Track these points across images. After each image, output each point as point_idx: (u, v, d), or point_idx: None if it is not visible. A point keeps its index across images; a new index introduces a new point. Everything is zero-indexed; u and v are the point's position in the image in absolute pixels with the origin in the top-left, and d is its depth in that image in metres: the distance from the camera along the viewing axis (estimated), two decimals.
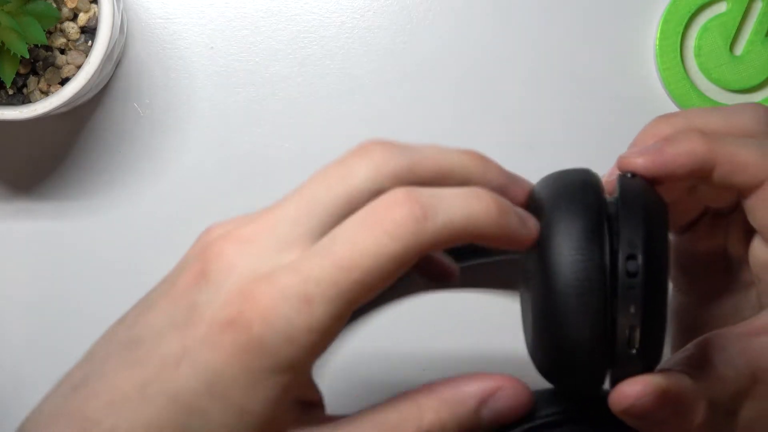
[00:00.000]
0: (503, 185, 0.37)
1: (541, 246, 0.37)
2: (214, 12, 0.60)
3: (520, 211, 0.37)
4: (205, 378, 0.34)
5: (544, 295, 0.36)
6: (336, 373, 0.60)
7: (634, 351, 0.36)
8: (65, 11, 0.54)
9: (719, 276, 0.44)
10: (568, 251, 0.36)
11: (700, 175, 0.39)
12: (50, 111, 0.53)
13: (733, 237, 0.43)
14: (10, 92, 0.54)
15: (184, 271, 0.36)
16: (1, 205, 0.60)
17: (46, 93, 0.54)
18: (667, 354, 0.45)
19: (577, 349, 0.36)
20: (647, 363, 0.37)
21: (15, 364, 0.60)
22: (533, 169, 0.62)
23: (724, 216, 0.44)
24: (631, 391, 0.36)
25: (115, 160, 0.60)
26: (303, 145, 0.60)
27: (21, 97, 0.54)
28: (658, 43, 0.59)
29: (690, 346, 0.40)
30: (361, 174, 0.36)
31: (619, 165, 0.39)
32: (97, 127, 0.59)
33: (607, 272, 0.36)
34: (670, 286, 0.44)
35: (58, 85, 0.54)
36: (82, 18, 0.55)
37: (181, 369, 0.35)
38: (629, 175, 0.39)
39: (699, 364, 0.39)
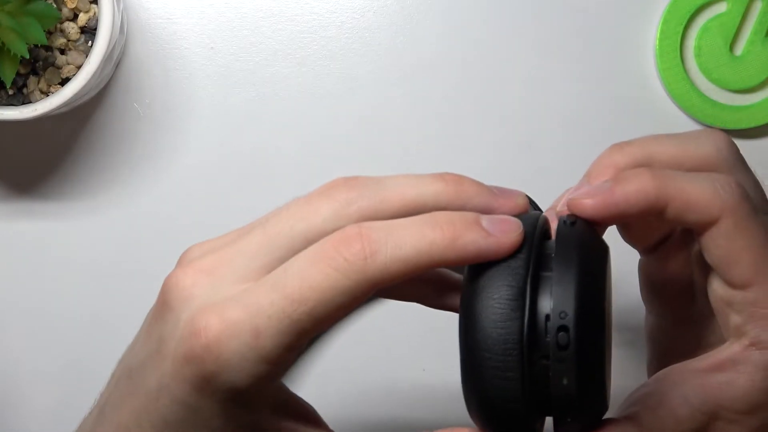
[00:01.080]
0: (485, 204, 0.37)
1: (463, 314, 0.36)
2: (214, 12, 0.60)
3: (495, 218, 0.36)
4: (180, 409, 0.36)
5: (468, 364, 0.36)
6: (337, 373, 0.60)
7: (569, 419, 0.36)
8: (65, 11, 0.54)
9: (688, 299, 0.43)
10: (488, 325, 0.35)
11: (652, 213, 0.38)
12: (50, 111, 0.53)
13: (696, 264, 0.42)
14: (10, 92, 0.54)
15: (156, 299, 0.38)
16: (1, 205, 0.60)
17: (46, 93, 0.54)
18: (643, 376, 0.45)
19: (498, 414, 0.36)
20: (585, 423, 0.36)
21: (15, 363, 0.60)
22: (533, 169, 0.62)
23: (690, 238, 0.43)
24: None
25: (115, 160, 0.60)
26: (303, 145, 0.60)
27: (21, 97, 0.54)
28: (658, 43, 0.59)
29: (650, 381, 0.40)
30: (324, 214, 0.36)
31: (568, 206, 0.38)
32: (97, 127, 0.59)
33: (525, 346, 0.35)
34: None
35: (58, 85, 0.54)
36: (82, 18, 0.55)
37: (160, 401, 0.37)
38: (569, 222, 0.37)
39: (656, 403, 0.39)
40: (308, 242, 0.36)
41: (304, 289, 0.34)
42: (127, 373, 0.39)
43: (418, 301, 0.43)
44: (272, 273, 0.36)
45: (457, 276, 0.42)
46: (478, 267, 0.36)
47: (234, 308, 0.35)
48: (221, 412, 0.36)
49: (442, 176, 0.37)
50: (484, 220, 0.36)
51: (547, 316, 0.35)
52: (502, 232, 0.36)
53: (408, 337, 0.59)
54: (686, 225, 0.39)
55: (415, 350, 0.59)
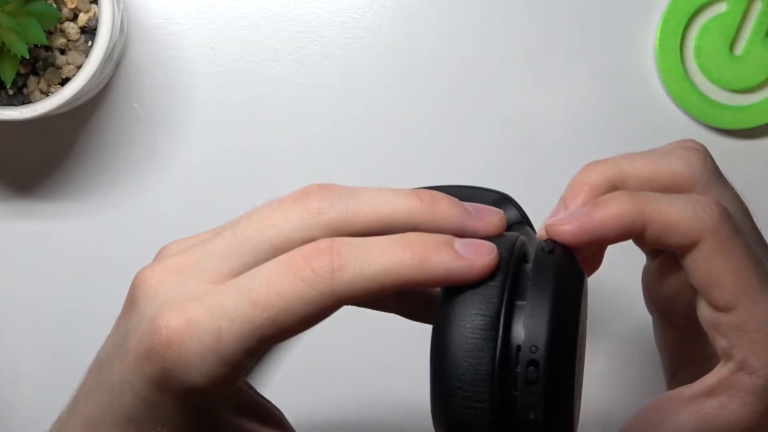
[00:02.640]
0: (460, 224, 0.37)
1: (435, 341, 0.36)
2: (214, 12, 0.60)
3: (468, 241, 0.36)
4: (141, 405, 0.36)
5: (437, 391, 0.36)
6: (340, 374, 0.60)
7: None
8: (65, 11, 0.54)
9: (688, 311, 0.42)
10: (459, 353, 0.35)
11: (630, 237, 0.38)
12: (50, 111, 0.53)
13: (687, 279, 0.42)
14: (10, 92, 0.54)
15: (127, 295, 0.38)
16: (1, 205, 0.60)
17: (46, 93, 0.54)
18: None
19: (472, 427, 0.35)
20: None
21: (15, 363, 0.60)
22: (533, 169, 0.62)
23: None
24: None
25: (115, 160, 0.60)
26: (303, 145, 0.60)
27: (21, 97, 0.54)
28: (658, 43, 0.59)
29: (646, 409, 0.40)
30: (293, 222, 0.36)
31: (546, 232, 0.38)
32: (97, 127, 0.59)
33: (495, 378, 0.35)
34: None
35: (58, 85, 0.54)
36: (82, 18, 0.55)
37: (123, 396, 0.37)
38: (547, 249, 0.37)
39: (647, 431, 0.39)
40: (275, 249, 0.36)
41: (270, 295, 0.34)
42: (96, 367, 0.39)
43: (397, 313, 0.42)
44: (240, 277, 0.35)
45: (437, 291, 0.42)
46: (453, 291, 0.36)
47: (198, 308, 0.35)
48: (181, 410, 0.36)
49: (418, 193, 0.37)
50: (457, 242, 0.35)
51: (519, 347, 0.35)
52: (475, 255, 0.35)
53: (408, 340, 0.59)
54: (667, 248, 0.38)
55: (415, 354, 0.59)
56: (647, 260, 0.44)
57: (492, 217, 0.37)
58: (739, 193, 0.42)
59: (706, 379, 0.39)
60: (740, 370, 0.38)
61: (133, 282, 0.38)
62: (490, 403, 0.35)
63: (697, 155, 0.41)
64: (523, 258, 0.37)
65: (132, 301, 0.37)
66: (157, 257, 0.39)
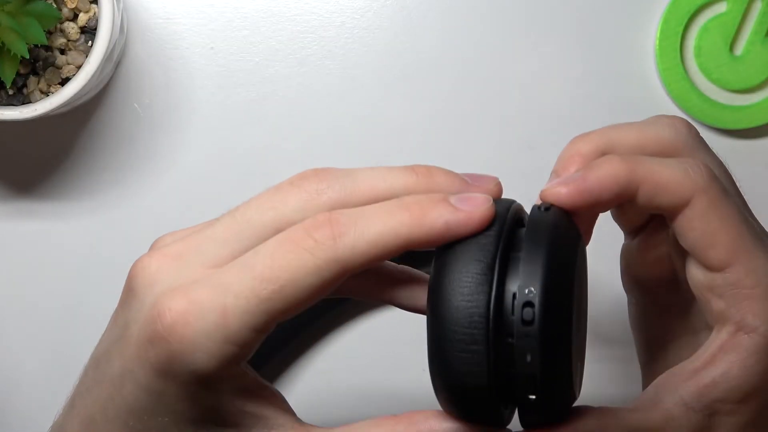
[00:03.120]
0: (458, 193, 0.37)
1: (431, 290, 0.36)
2: (214, 12, 0.60)
3: (463, 195, 0.36)
4: (144, 395, 0.36)
5: (434, 339, 0.36)
6: (340, 373, 0.60)
7: (533, 398, 0.35)
8: (65, 11, 0.54)
9: (670, 286, 0.43)
10: (455, 298, 0.35)
11: (624, 199, 0.38)
12: (50, 111, 0.53)
13: (674, 251, 0.42)
14: (10, 92, 0.54)
15: (123, 287, 0.38)
16: (1, 205, 0.60)
17: (46, 93, 0.54)
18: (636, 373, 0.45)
19: (465, 393, 0.36)
20: (551, 408, 0.36)
21: (15, 363, 0.60)
22: (533, 169, 0.62)
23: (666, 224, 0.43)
24: None
25: (115, 160, 0.60)
26: (303, 145, 0.60)
27: (21, 97, 0.54)
28: (658, 43, 0.59)
29: (649, 389, 0.39)
30: (292, 204, 0.36)
31: (542, 197, 0.38)
32: (97, 127, 0.59)
33: (491, 320, 0.35)
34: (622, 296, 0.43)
35: (58, 85, 0.54)
36: (82, 18, 0.55)
37: (125, 388, 0.36)
38: (543, 207, 0.37)
39: (649, 405, 0.38)
40: (277, 231, 0.36)
41: (274, 268, 0.34)
42: (94, 364, 0.39)
43: (389, 302, 0.42)
44: (242, 256, 0.36)
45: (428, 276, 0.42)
46: (448, 245, 0.36)
47: (201, 289, 0.35)
48: (185, 396, 0.36)
49: (413, 168, 0.38)
50: (453, 197, 0.36)
51: (514, 294, 0.35)
52: (473, 207, 0.36)
53: (409, 337, 0.59)
54: (659, 209, 0.39)
55: (416, 350, 0.59)
56: (626, 239, 0.44)
57: (488, 183, 0.38)
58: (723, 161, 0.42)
59: (704, 349, 0.39)
60: (739, 331, 0.38)
61: (130, 272, 0.37)
62: (486, 346, 0.35)
63: (682, 122, 0.41)
64: (519, 222, 0.38)
65: (130, 290, 0.37)
66: (153, 247, 0.38)
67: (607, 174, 0.38)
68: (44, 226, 0.60)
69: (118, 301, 0.38)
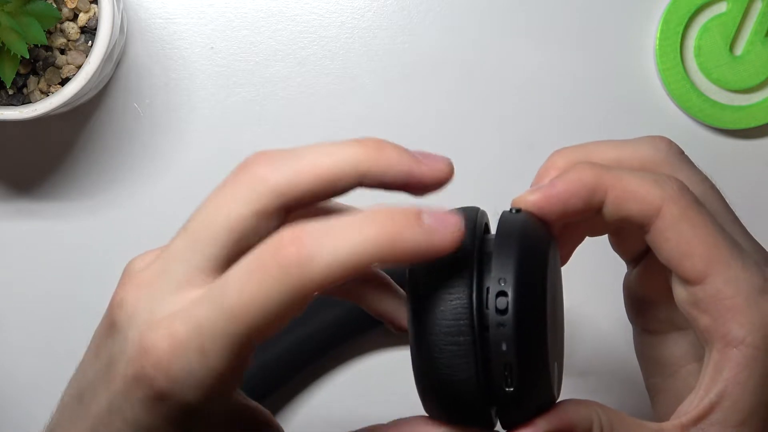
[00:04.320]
0: (406, 172, 0.36)
1: (409, 288, 0.36)
2: (214, 12, 0.60)
3: (435, 214, 0.34)
4: (135, 430, 0.36)
5: (415, 336, 0.36)
6: (340, 376, 0.60)
7: (511, 389, 0.35)
8: (65, 11, 0.54)
9: (671, 312, 0.42)
10: (433, 292, 0.35)
11: (593, 206, 0.38)
12: (50, 111, 0.53)
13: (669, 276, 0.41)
14: (10, 92, 0.54)
15: (103, 319, 0.37)
16: (1, 205, 0.60)
17: (46, 93, 0.54)
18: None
19: (451, 391, 0.36)
20: (528, 399, 0.36)
21: (14, 363, 0.60)
22: (533, 169, 0.62)
23: None
24: None
25: (115, 160, 0.60)
26: (303, 145, 0.60)
27: (21, 97, 0.54)
28: (658, 43, 0.59)
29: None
30: (240, 197, 0.35)
31: (513, 204, 0.39)
32: (97, 127, 0.59)
33: (474, 312, 0.35)
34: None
35: (58, 85, 0.54)
36: (82, 18, 0.55)
37: (113, 424, 0.36)
38: (513, 210, 0.38)
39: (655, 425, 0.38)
40: (231, 231, 0.35)
41: (242, 302, 0.33)
42: (77, 397, 0.38)
43: (356, 302, 0.42)
44: (212, 285, 0.35)
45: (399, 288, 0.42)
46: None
47: (178, 325, 0.34)
48: (174, 430, 0.35)
49: (361, 141, 0.36)
50: (425, 215, 0.34)
51: (488, 289, 0.35)
52: (445, 228, 0.34)
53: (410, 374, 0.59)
54: (629, 219, 0.38)
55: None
56: (628, 269, 0.44)
57: (438, 163, 0.36)
58: (709, 177, 0.42)
59: (702, 376, 0.38)
60: (727, 346, 0.37)
61: (109, 306, 0.37)
62: (472, 336, 0.35)
63: (663, 140, 0.41)
64: (486, 229, 0.38)
65: (112, 325, 0.36)
66: (125, 275, 0.38)
67: (574, 179, 0.38)
68: (44, 226, 0.60)
69: (96, 333, 0.38)
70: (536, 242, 0.37)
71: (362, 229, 0.33)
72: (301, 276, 0.33)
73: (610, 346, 0.60)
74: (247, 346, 0.34)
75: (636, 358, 0.45)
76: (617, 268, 0.45)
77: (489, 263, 0.36)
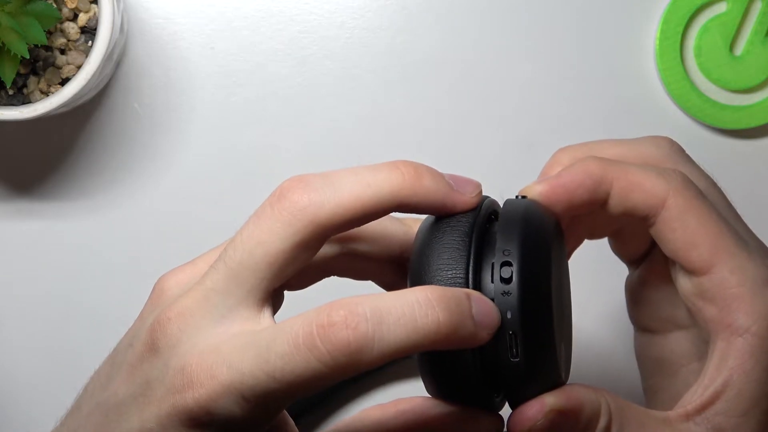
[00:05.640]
0: (441, 201, 0.37)
1: (412, 268, 0.37)
2: (214, 12, 0.60)
3: (479, 300, 0.35)
4: None
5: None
6: None
7: (516, 359, 0.35)
8: (65, 11, 0.54)
9: (674, 310, 0.42)
10: (434, 265, 0.36)
11: (599, 197, 0.38)
12: (50, 111, 0.53)
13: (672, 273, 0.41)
14: (10, 92, 0.54)
15: (139, 338, 0.37)
16: (1, 205, 0.60)
17: (46, 93, 0.54)
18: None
19: (452, 365, 0.36)
20: (534, 372, 0.36)
21: (14, 363, 0.60)
22: (533, 168, 0.62)
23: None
24: (528, 413, 0.36)
25: (115, 160, 0.60)
26: (303, 144, 0.60)
27: (21, 97, 0.54)
28: (658, 43, 0.59)
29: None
30: (279, 232, 0.36)
31: (519, 193, 0.39)
32: (97, 127, 0.59)
33: (471, 284, 0.35)
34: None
35: (58, 85, 0.54)
36: (82, 18, 0.55)
37: None
38: (519, 197, 0.39)
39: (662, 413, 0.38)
40: (271, 265, 0.36)
41: (285, 371, 0.34)
42: (102, 411, 0.38)
43: (373, 279, 0.43)
44: (259, 334, 0.35)
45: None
46: (431, 223, 0.37)
47: (222, 369, 0.35)
48: None
49: (400, 168, 0.37)
50: (474, 305, 0.35)
51: (493, 264, 0.36)
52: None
53: None
54: (634, 210, 0.39)
55: None
56: (629, 271, 0.44)
57: (469, 187, 0.38)
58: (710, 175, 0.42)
59: (706, 366, 0.38)
60: (732, 335, 0.37)
61: (150, 330, 0.37)
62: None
63: (665, 139, 0.42)
64: (494, 213, 0.39)
65: (152, 349, 0.37)
66: (159, 292, 0.38)
67: (580, 171, 0.39)
68: (44, 226, 0.60)
69: (129, 347, 0.38)
70: (540, 220, 0.37)
71: (415, 319, 0.34)
72: (347, 363, 0.33)
73: (611, 348, 0.60)
74: (283, 405, 0.35)
75: (635, 361, 0.45)
76: (617, 269, 0.45)
77: (493, 239, 0.36)
